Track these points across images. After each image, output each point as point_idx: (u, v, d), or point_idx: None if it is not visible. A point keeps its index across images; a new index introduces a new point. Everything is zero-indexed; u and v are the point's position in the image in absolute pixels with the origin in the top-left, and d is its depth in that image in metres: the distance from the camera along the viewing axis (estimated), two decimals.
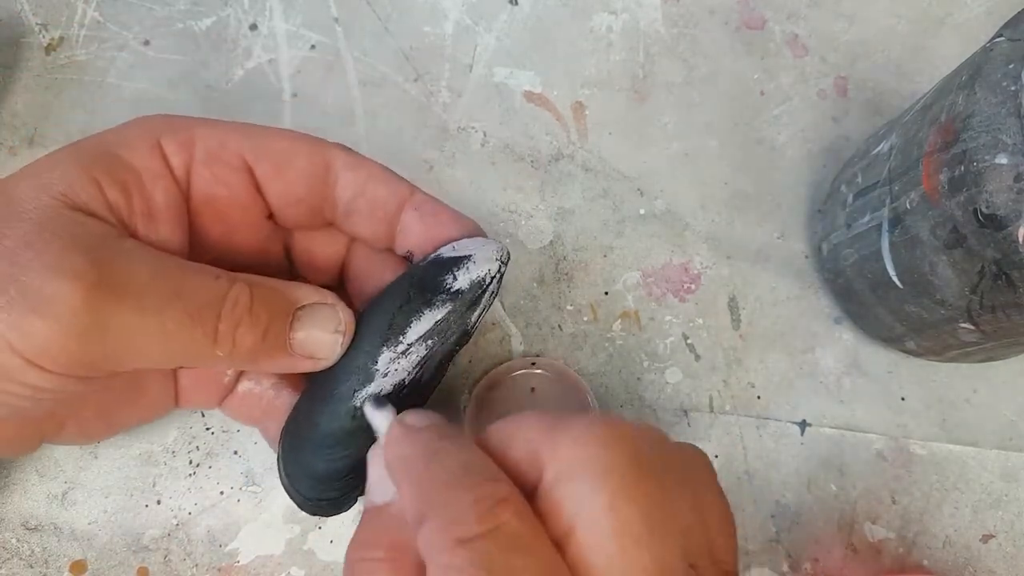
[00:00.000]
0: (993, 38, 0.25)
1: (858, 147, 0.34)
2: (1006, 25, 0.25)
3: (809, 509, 0.33)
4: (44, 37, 0.36)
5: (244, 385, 0.27)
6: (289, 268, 0.27)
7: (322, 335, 0.23)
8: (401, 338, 0.23)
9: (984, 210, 0.23)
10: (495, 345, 0.33)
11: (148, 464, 0.31)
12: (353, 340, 0.23)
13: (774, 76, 0.38)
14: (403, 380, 0.23)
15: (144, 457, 0.31)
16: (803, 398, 0.34)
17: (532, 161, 0.36)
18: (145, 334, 0.20)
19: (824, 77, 0.38)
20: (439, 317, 0.23)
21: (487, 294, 0.24)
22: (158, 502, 0.31)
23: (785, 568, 0.32)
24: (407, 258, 0.25)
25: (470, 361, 0.33)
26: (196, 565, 0.30)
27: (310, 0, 0.38)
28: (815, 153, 0.37)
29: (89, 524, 0.30)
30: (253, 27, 0.37)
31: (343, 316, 0.23)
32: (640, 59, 0.38)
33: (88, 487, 0.31)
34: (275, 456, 0.26)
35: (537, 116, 0.37)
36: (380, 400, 0.23)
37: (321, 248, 0.27)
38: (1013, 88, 0.23)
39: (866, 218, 0.30)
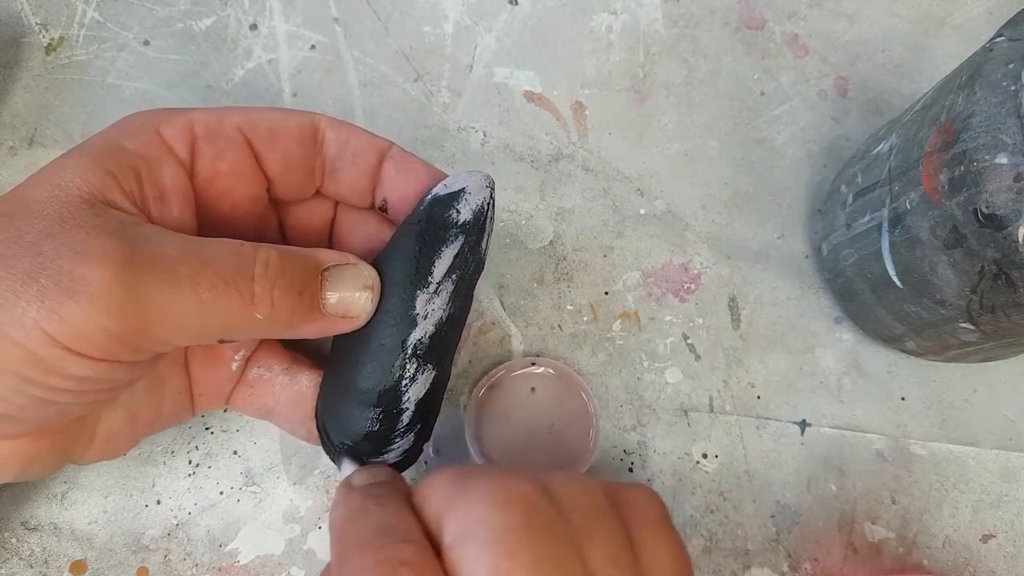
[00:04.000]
0: (993, 38, 0.25)
1: (858, 147, 0.34)
2: (1006, 25, 0.25)
3: (809, 509, 0.33)
4: (44, 37, 0.36)
5: (254, 372, 0.27)
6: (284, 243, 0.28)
7: (353, 293, 0.23)
8: (430, 278, 0.24)
9: (984, 210, 0.23)
10: (495, 345, 0.33)
11: (148, 464, 0.31)
12: (386, 293, 0.24)
13: (774, 76, 0.38)
14: (441, 318, 0.24)
15: (144, 457, 0.31)
16: (803, 398, 0.34)
17: (532, 161, 0.36)
18: (182, 305, 0.20)
19: (824, 77, 0.38)
20: (456, 251, 0.24)
21: (488, 220, 0.25)
22: (158, 502, 0.31)
23: (785, 568, 0.32)
24: (383, 208, 0.27)
25: (470, 361, 0.33)
26: (196, 565, 0.30)
27: (310, 0, 0.38)
28: (815, 153, 0.37)
29: (89, 524, 0.30)
30: (253, 27, 0.37)
31: (368, 272, 0.24)
32: (640, 59, 0.38)
33: (88, 487, 0.31)
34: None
35: (537, 116, 0.37)
36: (353, 455, 0.25)
37: (311, 217, 0.28)
38: (1013, 88, 0.23)
39: (866, 218, 0.30)
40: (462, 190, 0.24)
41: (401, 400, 0.24)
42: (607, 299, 0.35)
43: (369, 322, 0.24)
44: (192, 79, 0.36)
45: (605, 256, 0.35)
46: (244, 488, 0.31)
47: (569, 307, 0.34)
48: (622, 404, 0.33)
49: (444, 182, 0.25)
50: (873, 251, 0.29)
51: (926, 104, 0.28)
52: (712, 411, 0.33)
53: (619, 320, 0.34)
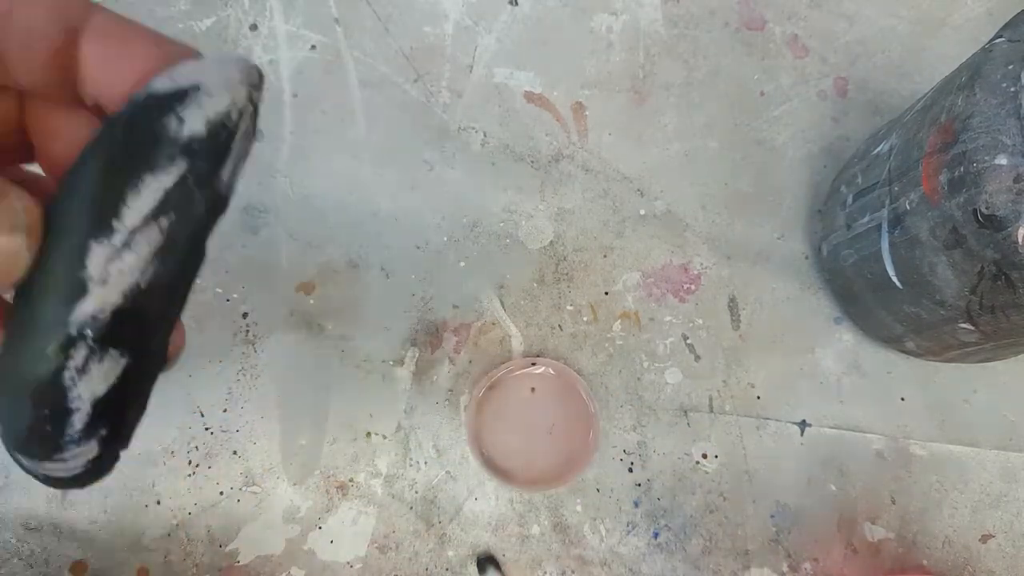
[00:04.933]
0: (993, 39, 0.25)
1: (858, 147, 0.34)
2: (1006, 26, 0.25)
3: (809, 509, 0.33)
4: None
5: None
6: None
7: None
8: (115, 222, 0.15)
9: (984, 211, 0.23)
10: (495, 345, 0.33)
11: (148, 464, 0.31)
12: (48, 241, 0.16)
13: (774, 77, 0.38)
14: (136, 283, 0.16)
15: (144, 457, 0.31)
16: (803, 398, 0.34)
17: (532, 161, 0.36)
18: None
19: (824, 78, 0.38)
20: (169, 184, 0.16)
21: (240, 133, 0.17)
22: (158, 502, 0.31)
23: (785, 568, 0.32)
24: (97, 112, 0.18)
25: (470, 361, 0.33)
26: (196, 565, 0.30)
27: (310, 0, 0.38)
28: (815, 153, 0.37)
29: (89, 524, 0.30)
30: (253, 27, 0.37)
31: (19, 205, 0.16)
32: (640, 59, 0.38)
33: (88, 488, 0.30)
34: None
35: (537, 116, 0.37)
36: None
37: None
38: (1013, 89, 0.23)
39: (866, 218, 0.30)
40: (195, 87, 0.16)
41: (66, 398, 0.16)
42: (607, 299, 0.35)
43: (31, 284, 0.16)
44: None
45: (605, 256, 0.35)
46: (244, 488, 0.31)
47: (569, 307, 0.34)
48: (622, 404, 0.33)
49: (171, 72, 0.16)
50: (873, 252, 0.29)
51: (926, 105, 0.28)
52: (712, 411, 0.33)
53: (619, 320, 0.34)
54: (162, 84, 0.16)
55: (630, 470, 0.32)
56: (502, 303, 0.34)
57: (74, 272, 0.16)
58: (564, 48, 0.38)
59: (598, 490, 0.32)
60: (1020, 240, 0.22)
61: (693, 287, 0.35)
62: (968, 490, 0.33)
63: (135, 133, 0.16)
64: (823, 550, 0.32)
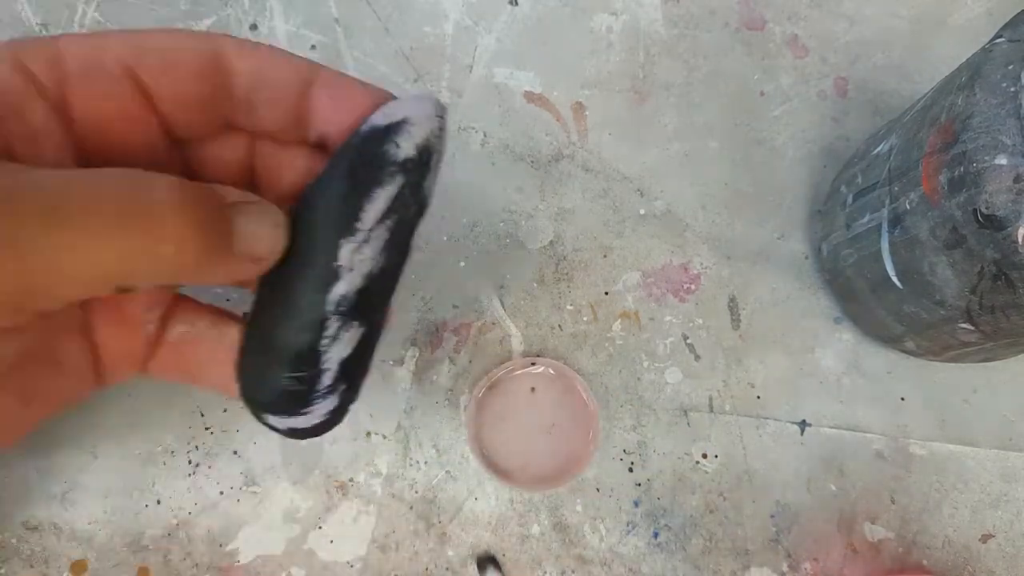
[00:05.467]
0: (993, 39, 0.25)
1: (858, 147, 0.34)
2: (1006, 26, 0.25)
3: (809, 509, 0.33)
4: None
5: (176, 331, 0.24)
6: None
7: (259, 229, 0.20)
8: (358, 225, 0.20)
9: (984, 211, 0.23)
10: (495, 345, 0.33)
11: (148, 464, 0.31)
12: (304, 241, 0.21)
13: (774, 77, 0.38)
14: (372, 270, 0.21)
15: (144, 457, 0.31)
16: (803, 398, 0.34)
17: (532, 161, 0.36)
18: (71, 246, 0.16)
19: (824, 78, 0.38)
20: (393, 193, 0.21)
21: (435, 155, 0.22)
22: (158, 502, 0.31)
23: (785, 568, 0.32)
24: (321, 145, 0.23)
25: (470, 361, 0.33)
26: (196, 565, 0.30)
27: (310, 0, 0.38)
28: (815, 153, 0.37)
29: (89, 524, 0.30)
30: (253, 27, 0.37)
31: (273, 209, 0.20)
32: (640, 59, 0.38)
33: (88, 487, 0.31)
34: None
35: (537, 116, 0.37)
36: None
37: (223, 158, 0.24)
38: (1013, 89, 0.23)
39: (866, 218, 0.30)
40: (404, 120, 0.21)
41: (320, 361, 0.21)
42: (607, 299, 0.35)
43: (288, 273, 0.21)
44: None
45: (605, 256, 0.35)
46: (244, 488, 0.31)
47: (569, 307, 0.34)
48: (622, 404, 0.33)
49: (384, 109, 0.21)
50: (873, 251, 0.29)
51: (926, 105, 0.28)
52: (712, 411, 0.33)
53: (619, 320, 0.34)
54: (380, 119, 0.21)
55: (630, 470, 0.33)
56: (502, 303, 0.34)
57: (330, 262, 0.20)
58: (564, 48, 0.38)
59: (598, 490, 0.32)
60: (1020, 240, 0.22)
61: (693, 287, 0.35)
62: (968, 490, 0.33)
63: (365, 157, 0.21)
64: (823, 550, 0.32)
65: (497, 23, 0.38)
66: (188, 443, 0.31)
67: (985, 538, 0.33)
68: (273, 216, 0.20)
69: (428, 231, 0.34)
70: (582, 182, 0.36)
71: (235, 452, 0.31)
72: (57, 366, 0.22)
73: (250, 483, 0.31)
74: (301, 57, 0.22)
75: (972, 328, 0.27)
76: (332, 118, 0.22)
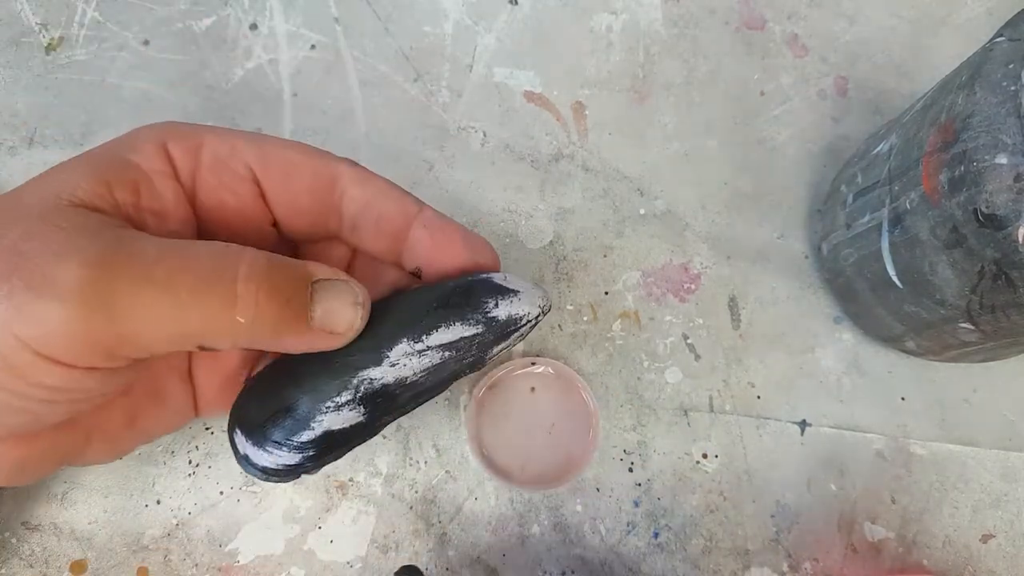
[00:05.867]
0: (993, 38, 0.25)
1: (858, 147, 0.34)
2: (1006, 25, 0.25)
3: (809, 509, 0.33)
4: (44, 37, 0.36)
5: None
6: None
7: (342, 308, 0.22)
8: (424, 337, 0.22)
9: (984, 210, 0.23)
10: None
11: (148, 464, 0.31)
12: (373, 325, 0.22)
13: (774, 76, 0.38)
14: (406, 378, 0.23)
15: (144, 457, 0.31)
16: (803, 398, 0.34)
17: (532, 161, 0.36)
18: (157, 306, 0.19)
19: (824, 77, 0.38)
20: (466, 334, 0.23)
21: (517, 333, 0.24)
22: (158, 502, 0.31)
23: (785, 568, 0.32)
24: (415, 274, 0.25)
25: None
26: (196, 565, 0.30)
27: (310, 0, 0.38)
28: (815, 153, 0.37)
29: (89, 524, 0.30)
30: (253, 27, 0.37)
31: (359, 290, 0.22)
32: (640, 59, 0.38)
33: (88, 487, 0.31)
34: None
35: (537, 116, 0.37)
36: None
37: (326, 256, 0.27)
38: (1013, 88, 0.23)
39: (866, 218, 0.30)
40: (516, 291, 0.23)
41: (313, 417, 0.22)
42: (607, 299, 0.35)
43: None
44: (192, 79, 0.36)
45: (605, 256, 0.35)
46: (244, 488, 0.31)
47: (569, 307, 0.34)
48: (622, 404, 0.33)
49: (506, 274, 0.24)
50: (873, 251, 0.29)
51: (926, 104, 0.28)
52: (712, 411, 0.33)
53: (619, 320, 0.34)
54: (499, 279, 0.23)
55: (630, 470, 0.32)
56: None
57: (381, 348, 0.22)
58: (564, 48, 0.38)
59: (598, 490, 0.32)
60: (1020, 239, 0.22)
61: (693, 286, 0.35)
62: (968, 490, 0.33)
63: (469, 296, 0.23)
64: (823, 550, 0.32)
65: (497, 23, 0.38)
66: (188, 443, 0.31)
67: (985, 538, 0.33)
68: (355, 295, 0.22)
69: None
70: (582, 182, 0.36)
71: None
72: (161, 399, 0.25)
73: (250, 483, 0.31)
74: (410, 196, 0.25)
75: (972, 327, 0.27)
76: (428, 259, 0.24)
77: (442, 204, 0.35)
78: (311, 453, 0.23)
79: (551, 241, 0.35)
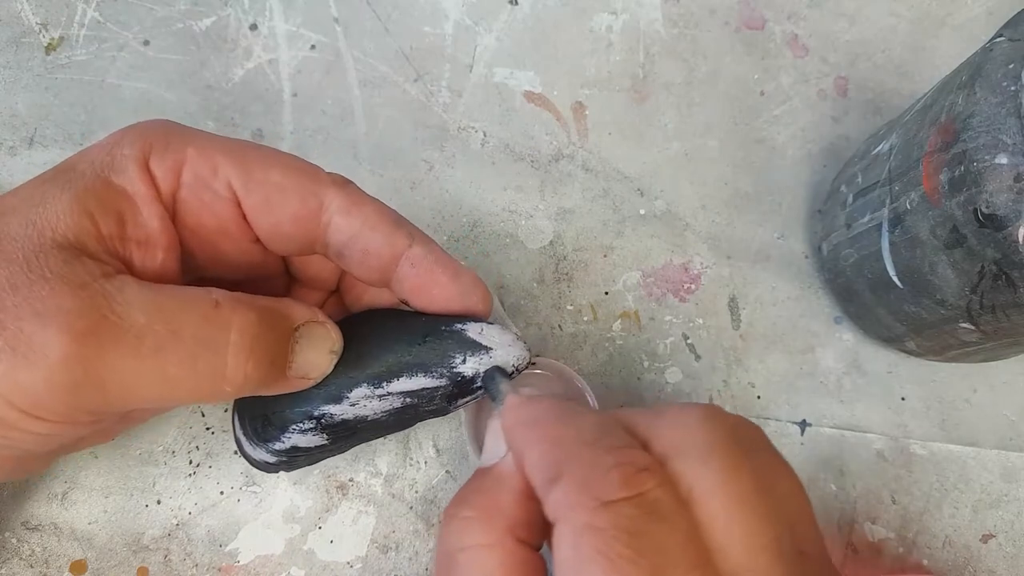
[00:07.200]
0: (993, 38, 0.25)
1: (858, 147, 0.34)
2: (1006, 25, 0.25)
3: None
4: (44, 37, 0.36)
5: None
6: (287, 279, 0.27)
7: (318, 356, 0.22)
8: (385, 384, 0.23)
9: (984, 210, 0.23)
10: None
11: (148, 464, 0.31)
12: (339, 364, 0.23)
13: (774, 76, 0.38)
14: (366, 416, 0.24)
15: (144, 457, 0.31)
16: (803, 398, 0.34)
17: (532, 161, 0.36)
18: (145, 380, 0.19)
19: (824, 77, 0.38)
20: (428, 386, 0.23)
21: (484, 390, 0.24)
22: (158, 502, 0.31)
23: None
24: (403, 302, 0.25)
25: None
26: (196, 565, 0.30)
27: (310, 0, 0.38)
28: (815, 153, 0.37)
29: (89, 524, 0.30)
30: (253, 27, 0.37)
31: (335, 337, 0.23)
32: (640, 59, 0.38)
33: (88, 487, 0.30)
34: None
35: (537, 116, 0.37)
36: (501, 371, 0.23)
37: (317, 269, 0.26)
38: (1013, 88, 0.23)
39: (866, 218, 0.30)
40: (488, 348, 0.23)
41: (285, 431, 0.24)
42: (607, 299, 0.35)
43: None
44: (192, 79, 0.36)
45: (605, 256, 0.35)
46: (244, 488, 0.31)
47: (569, 307, 0.34)
48: (622, 404, 0.33)
49: (484, 325, 0.23)
50: (873, 251, 0.29)
51: (926, 104, 0.28)
52: None
53: (619, 320, 0.34)
54: (475, 333, 0.23)
55: None
56: (502, 303, 0.34)
57: (342, 391, 0.23)
58: (564, 48, 0.38)
59: None
60: (1020, 239, 0.22)
61: (693, 287, 0.35)
62: (969, 490, 0.33)
63: (435, 349, 0.23)
64: None
65: (497, 23, 0.38)
66: (188, 443, 0.31)
67: (986, 538, 0.33)
68: (331, 344, 0.23)
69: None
70: (582, 182, 0.36)
71: (235, 452, 0.31)
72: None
73: (250, 483, 0.31)
74: (401, 228, 0.24)
75: (973, 327, 0.27)
76: (414, 297, 0.24)
77: (442, 204, 0.35)
78: (284, 459, 0.25)
79: (551, 241, 0.35)
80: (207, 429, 0.32)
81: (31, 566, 0.30)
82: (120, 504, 0.30)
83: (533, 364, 0.33)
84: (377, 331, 0.24)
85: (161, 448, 0.31)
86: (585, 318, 0.34)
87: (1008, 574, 0.32)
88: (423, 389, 0.23)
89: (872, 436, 0.33)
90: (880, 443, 0.33)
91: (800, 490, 0.19)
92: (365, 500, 0.31)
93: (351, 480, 0.32)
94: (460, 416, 0.32)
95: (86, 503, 0.30)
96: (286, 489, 0.31)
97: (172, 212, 0.22)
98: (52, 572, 0.30)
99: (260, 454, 0.25)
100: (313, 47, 0.37)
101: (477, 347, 0.23)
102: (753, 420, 0.33)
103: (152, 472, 0.31)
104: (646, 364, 0.34)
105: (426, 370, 0.23)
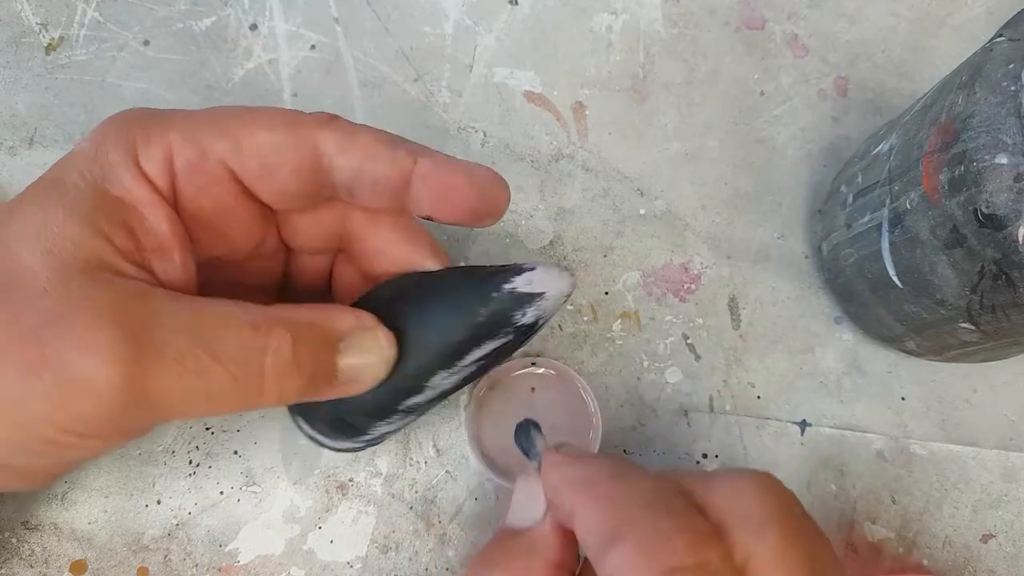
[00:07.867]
0: (993, 38, 0.25)
1: (858, 147, 0.34)
2: (1006, 25, 0.25)
3: (809, 509, 0.32)
4: (44, 37, 0.36)
5: None
6: (287, 251, 0.27)
7: (367, 362, 0.23)
8: (458, 363, 0.24)
9: (984, 210, 0.23)
10: None
11: (148, 464, 0.31)
12: (409, 356, 0.23)
13: (774, 76, 0.38)
14: (447, 389, 0.25)
15: (144, 457, 0.31)
16: (803, 398, 0.34)
17: (532, 161, 0.36)
18: (189, 399, 0.20)
19: (824, 77, 0.38)
20: (499, 345, 0.24)
21: (545, 322, 0.24)
22: (158, 502, 0.31)
23: None
24: (427, 218, 0.25)
25: None
26: (196, 565, 0.30)
27: (310, 0, 0.38)
28: (815, 153, 0.37)
29: (89, 524, 0.30)
30: (253, 27, 0.37)
31: (385, 343, 0.23)
32: (640, 59, 0.38)
33: (88, 487, 0.31)
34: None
35: (537, 116, 0.37)
36: (534, 425, 0.25)
37: (318, 225, 0.26)
38: (1013, 88, 0.23)
39: (866, 218, 0.30)
40: (541, 295, 0.23)
41: (369, 430, 0.25)
42: (607, 299, 0.35)
43: None
44: (192, 79, 0.36)
45: (605, 256, 0.35)
46: (244, 488, 0.31)
47: (569, 307, 0.34)
48: (622, 404, 0.33)
49: (529, 275, 0.23)
50: (873, 251, 0.29)
51: (926, 104, 0.28)
52: (712, 411, 0.33)
53: (619, 320, 0.34)
54: (523, 286, 0.23)
55: None
56: None
57: (420, 382, 0.24)
58: (564, 48, 0.38)
59: None
60: (1020, 239, 0.22)
61: (693, 287, 0.35)
62: (969, 490, 0.33)
63: (496, 319, 0.23)
64: None
65: (497, 23, 0.38)
66: (188, 443, 0.31)
67: (986, 538, 0.33)
68: (382, 349, 0.23)
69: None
70: (582, 182, 0.36)
71: (235, 452, 0.31)
72: None
73: (250, 483, 0.31)
74: (401, 147, 0.23)
75: (973, 327, 0.27)
76: (435, 210, 0.24)
77: None
78: (364, 446, 0.27)
79: (551, 241, 0.35)
80: (207, 429, 0.32)
81: (31, 566, 0.30)
82: (120, 504, 0.30)
83: (533, 364, 0.33)
84: (429, 319, 0.24)
85: (161, 448, 0.31)
86: (585, 318, 0.34)
87: (1008, 574, 0.32)
88: (493, 350, 0.24)
89: (872, 436, 0.33)
90: (880, 443, 0.33)
91: (835, 558, 0.20)
92: (365, 500, 0.31)
93: (351, 480, 0.32)
94: (460, 416, 0.32)
95: (86, 503, 0.30)
96: (286, 489, 0.31)
97: (174, 204, 0.22)
98: (52, 572, 0.30)
99: (343, 444, 0.26)
100: (313, 47, 0.37)
101: (531, 297, 0.23)
102: (753, 420, 0.33)
103: (152, 472, 0.31)
104: (646, 364, 0.34)
105: (493, 336, 0.23)
